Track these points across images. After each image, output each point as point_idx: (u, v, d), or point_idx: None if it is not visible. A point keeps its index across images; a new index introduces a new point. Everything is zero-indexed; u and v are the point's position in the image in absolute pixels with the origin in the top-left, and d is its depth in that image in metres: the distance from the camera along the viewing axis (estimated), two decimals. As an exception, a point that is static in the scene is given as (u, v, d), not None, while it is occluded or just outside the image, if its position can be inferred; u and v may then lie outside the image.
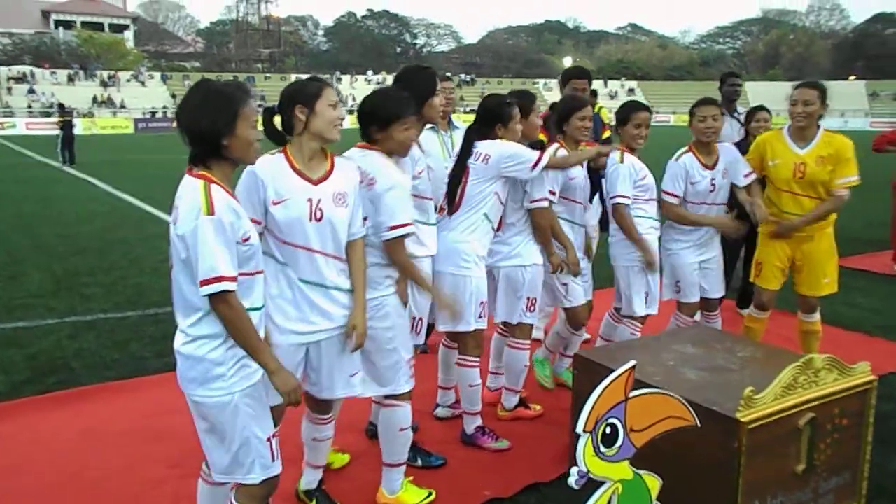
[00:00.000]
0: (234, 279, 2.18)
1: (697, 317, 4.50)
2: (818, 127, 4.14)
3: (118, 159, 22.66)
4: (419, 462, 3.45)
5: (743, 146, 5.56)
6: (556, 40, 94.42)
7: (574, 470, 2.31)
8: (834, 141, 4.11)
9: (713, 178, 4.20)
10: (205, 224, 2.14)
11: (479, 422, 3.73)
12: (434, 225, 3.42)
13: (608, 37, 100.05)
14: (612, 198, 4.02)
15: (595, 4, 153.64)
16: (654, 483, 2.48)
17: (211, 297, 2.16)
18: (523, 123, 3.71)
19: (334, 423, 3.14)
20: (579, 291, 4.07)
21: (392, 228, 2.90)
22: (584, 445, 2.31)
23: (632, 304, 4.15)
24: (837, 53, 78.57)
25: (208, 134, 2.23)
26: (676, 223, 4.31)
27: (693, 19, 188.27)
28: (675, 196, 4.23)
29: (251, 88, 2.50)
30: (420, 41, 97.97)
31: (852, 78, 65.50)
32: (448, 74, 4.78)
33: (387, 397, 3.06)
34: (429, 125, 3.83)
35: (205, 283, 2.14)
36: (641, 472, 2.44)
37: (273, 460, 2.39)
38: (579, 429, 2.31)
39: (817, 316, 4.47)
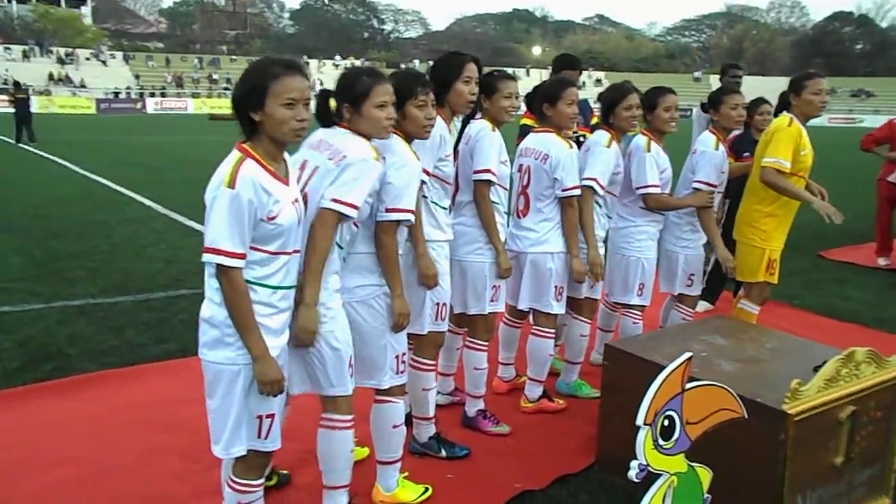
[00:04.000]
0: (236, 255, 2.19)
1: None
2: None
3: (83, 140, 22.01)
4: (443, 453, 3.39)
5: (743, 139, 5.60)
6: (525, 29, 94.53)
7: (634, 463, 2.28)
8: None
9: None
10: (221, 196, 2.18)
11: (481, 405, 3.71)
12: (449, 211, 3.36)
13: (575, 27, 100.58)
14: (641, 188, 3.97)
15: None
16: (705, 475, 2.47)
17: (216, 267, 2.20)
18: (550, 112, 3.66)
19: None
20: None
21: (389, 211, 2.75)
22: (644, 438, 2.29)
23: (631, 294, 4.12)
24: (797, 50, 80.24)
25: (238, 106, 2.27)
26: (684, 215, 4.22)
27: (659, 12, 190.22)
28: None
29: (304, 68, 2.43)
30: (388, 27, 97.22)
31: (812, 75, 66.79)
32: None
33: (378, 392, 2.94)
34: None
35: (205, 251, 2.19)
36: (694, 464, 2.43)
37: (260, 437, 2.37)
38: (639, 421, 2.28)
39: None
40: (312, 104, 2.43)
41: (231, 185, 2.17)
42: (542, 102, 3.70)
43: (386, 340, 2.84)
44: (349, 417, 2.72)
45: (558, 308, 3.78)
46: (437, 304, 3.23)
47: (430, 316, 3.16)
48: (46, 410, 3.80)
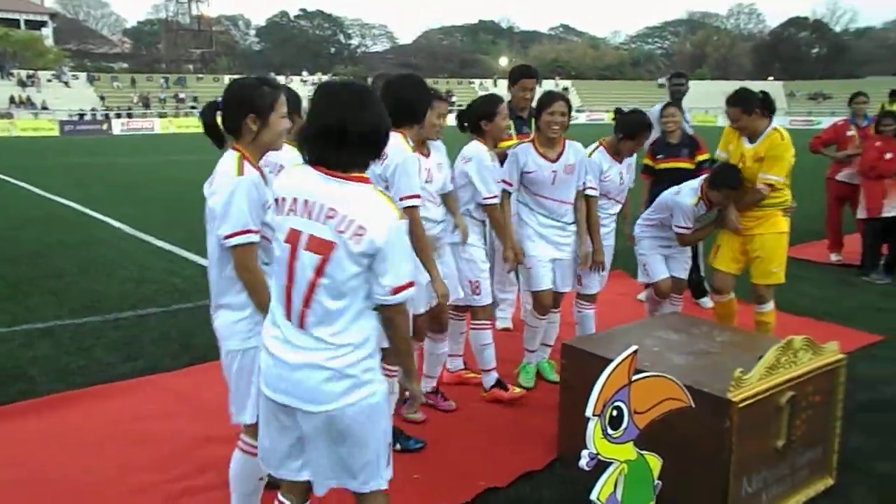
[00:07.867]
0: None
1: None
2: (768, 125, 4.31)
3: (48, 163, 21.69)
4: (397, 446, 3.46)
5: (658, 143, 5.94)
6: (491, 40, 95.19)
7: (584, 452, 2.40)
8: (773, 141, 4.26)
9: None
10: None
11: (434, 384, 4.09)
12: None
13: (541, 37, 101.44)
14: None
15: (527, 5, 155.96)
16: (655, 462, 2.60)
17: (392, 306, 2.11)
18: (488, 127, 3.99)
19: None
20: (542, 278, 4.24)
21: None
22: (593, 428, 2.41)
23: None
24: (756, 55, 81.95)
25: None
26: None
27: (622, 20, 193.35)
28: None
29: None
30: (354, 41, 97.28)
31: (770, 78, 68.50)
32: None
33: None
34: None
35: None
36: (644, 452, 2.56)
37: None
38: (588, 412, 2.40)
39: (768, 307, 4.64)
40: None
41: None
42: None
43: None
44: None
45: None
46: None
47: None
48: (13, 431, 3.82)
